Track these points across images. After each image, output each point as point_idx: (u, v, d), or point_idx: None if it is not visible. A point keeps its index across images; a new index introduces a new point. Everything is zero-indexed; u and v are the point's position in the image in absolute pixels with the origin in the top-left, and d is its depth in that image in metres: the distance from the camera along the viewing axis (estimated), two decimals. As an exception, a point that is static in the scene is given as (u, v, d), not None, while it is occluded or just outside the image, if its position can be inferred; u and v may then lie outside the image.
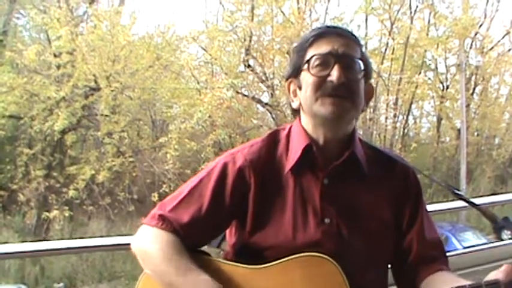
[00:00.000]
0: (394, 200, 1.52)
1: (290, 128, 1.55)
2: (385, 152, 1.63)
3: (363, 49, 1.51)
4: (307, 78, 1.45)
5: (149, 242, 1.44)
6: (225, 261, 1.47)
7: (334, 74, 1.41)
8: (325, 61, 1.43)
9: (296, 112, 1.54)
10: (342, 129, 1.47)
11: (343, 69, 1.42)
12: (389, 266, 1.57)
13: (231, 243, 1.54)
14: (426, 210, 1.58)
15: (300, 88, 1.49)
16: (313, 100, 1.43)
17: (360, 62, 1.46)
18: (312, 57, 1.45)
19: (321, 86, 1.42)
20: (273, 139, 1.54)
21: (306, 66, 1.46)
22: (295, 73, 1.51)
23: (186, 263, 1.38)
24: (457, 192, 1.67)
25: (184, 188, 1.51)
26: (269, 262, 1.39)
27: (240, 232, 1.50)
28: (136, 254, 1.47)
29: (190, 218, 1.45)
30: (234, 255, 1.52)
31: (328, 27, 1.52)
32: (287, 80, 1.55)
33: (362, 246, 1.44)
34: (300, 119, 1.53)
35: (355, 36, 1.51)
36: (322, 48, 1.44)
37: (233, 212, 1.49)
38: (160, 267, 1.40)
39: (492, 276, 1.28)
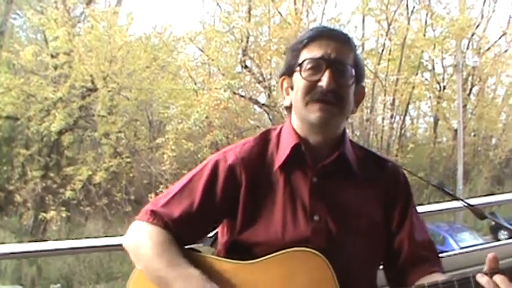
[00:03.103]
0: (383, 200, 1.54)
1: (281, 128, 1.58)
2: (375, 153, 1.65)
3: (357, 52, 1.53)
4: (299, 81, 1.48)
5: (141, 237, 1.46)
6: (215, 257, 1.49)
7: (325, 80, 1.43)
8: (317, 65, 1.45)
9: (288, 109, 1.56)
10: (330, 133, 1.50)
11: (334, 74, 1.43)
12: (380, 267, 1.58)
13: (223, 242, 1.55)
14: (416, 211, 1.59)
15: (292, 88, 1.52)
16: (303, 104, 1.46)
17: (351, 68, 1.47)
18: (304, 60, 1.47)
19: (311, 91, 1.45)
20: (264, 138, 1.57)
21: (298, 68, 1.48)
22: (288, 72, 1.53)
23: (177, 257, 1.40)
24: (445, 189, 1.68)
25: (177, 185, 1.53)
26: (259, 258, 1.40)
27: (231, 230, 1.51)
28: (128, 251, 1.48)
29: (181, 214, 1.46)
30: (225, 253, 1.53)
31: (323, 29, 1.53)
32: (281, 77, 1.57)
33: (351, 244, 1.45)
34: (290, 119, 1.56)
35: (350, 40, 1.52)
36: (314, 51, 1.47)
37: (224, 209, 1.50)
38: (151, 263, 1.41)
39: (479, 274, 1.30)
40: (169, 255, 1.40)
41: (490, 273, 1.29)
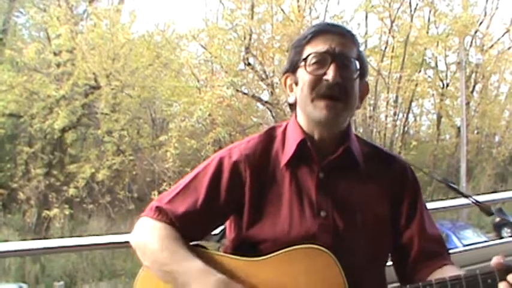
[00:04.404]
0: (390, 195, 1.53)
1: (286, 125, 1.58)
2: (381, 148, 1.65)
3: (360, 48, 1.53)
4: (304, 76, 1.48)
5: (147, 234, 1.46)
6: (222, 253, 1.49)
7: (330, 74, 1.43)
8: (322, 59, 1.45)
9: (293, 106, 1.56)
10: (336, 128, 1.50)
11: (339, 68, 1.43)
12: (390, 263, 1.57)
13: (230, 238, 1.56)
14: (426, 207, 1.58)
15: (297, 84, 1.51)
16: (309, 101, 1.46)
17: (356, 61, 1.48)
18: (309, 55, 1.47)
19: (316, 85, 1.45)
20: (269, 135, 1.57)
21: (302, 63, 1.48)
22: (292, 68, 1.53)
23: (183, 251, 1.40)
24: (452, 185, 1.68)
25: (182, 182, 1.54)
26: (266, 255, 1.40)
27: (238, 226, 1.52)
28: (135, 248, 1.49)
29: (185, 210, 1.47)
30: (232, 249, 1.53)
31: (326, 24, 1.55)
32: (284, 74, 1.57)
33: (358, 239, 1.45)
34: (296, 115, 1.56)
35: (353, 35, 1.52)
36: (319, 46, 1.46)
37: (228, 206, 1.50)
38: (157, 258, 1.41)
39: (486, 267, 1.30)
40: (176, 250, 1.40)
41: (500, 276, 1.28)
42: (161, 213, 1.47)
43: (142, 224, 1.50)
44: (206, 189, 1.48)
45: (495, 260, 1.30)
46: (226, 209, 1.51)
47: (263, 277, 1.39)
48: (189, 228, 1.48)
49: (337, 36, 1.47)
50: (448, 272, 1.40)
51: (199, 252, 1.45)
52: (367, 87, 1.58)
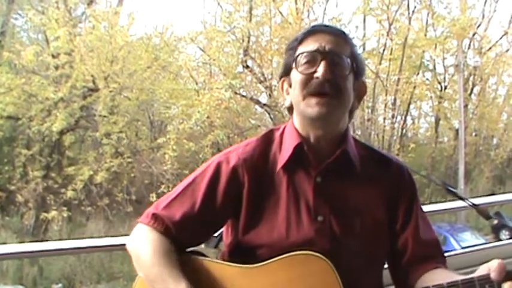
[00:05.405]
0: (388, 198, 1.52)
1: (284, 128, 1.57)
2: (380, 151, 1.63)
3: (354, 47, 1.52)
4: (296, 76, 1.47)
5: (141, 243, 1.46)
6: (218, 261, 1.48)
7: (320, 71, 1.42)
8: (312, 58, 1.44)
9: (290, 110, 1.55)
10: (331, 127, 1.48)
11: (330, 65, 1.42)
12: (385, 266, 1.57)
13: (227, 243, 1.55)
14: (422, 210, 1.57)
15: (291, 86, 1.50)
16: (301, 99, 1.45)
17: (347, 58, 1.46)
18: (299, 55, 1.47)
19: (307, 83, 1.44)
20: (267, 139, 1.56)
21: (294, 64, 1.48)
22: (286, 71, 1.53)
23: (171, 270, 1.39)
24: (450, 188, 1.68)
25: (179, 187, 1.53)
26: (262, 261, 1.39)
27: (235, 231, 1.50)
28: (130, 254, 1.49)
29: (182, 216, 1.46)
30: (229, 255, 1.52)
31: (317, 25, 1.54)
32: (280, 79, 1.56)
33: (355, 244, 1.44)
34: (293, 118, 1.54)
35: (345, 34, 1.51)
36: (310, 46, 1.46)
37: (226, 211, 1.49)
38: (148, 273, 1.42)
39: (483, 270, 1.28)
40: (164, 268, 1.39)
41: (498, 282, 1.26)
42: (157, 220, 1.46)
43: (138, 232, 1.49)
44: (203, 194, 1.47)
45: (494, 274, 1.26)
46: (223, 213, 1.50)
47: (259, 285, 1.38)
48: (186, 234, 1.47)
49: (328, 35, 1.47)
50: (438, 274, 1.40)
51: (196, 262, 1.44)
52: (365, 87, 1.56)
